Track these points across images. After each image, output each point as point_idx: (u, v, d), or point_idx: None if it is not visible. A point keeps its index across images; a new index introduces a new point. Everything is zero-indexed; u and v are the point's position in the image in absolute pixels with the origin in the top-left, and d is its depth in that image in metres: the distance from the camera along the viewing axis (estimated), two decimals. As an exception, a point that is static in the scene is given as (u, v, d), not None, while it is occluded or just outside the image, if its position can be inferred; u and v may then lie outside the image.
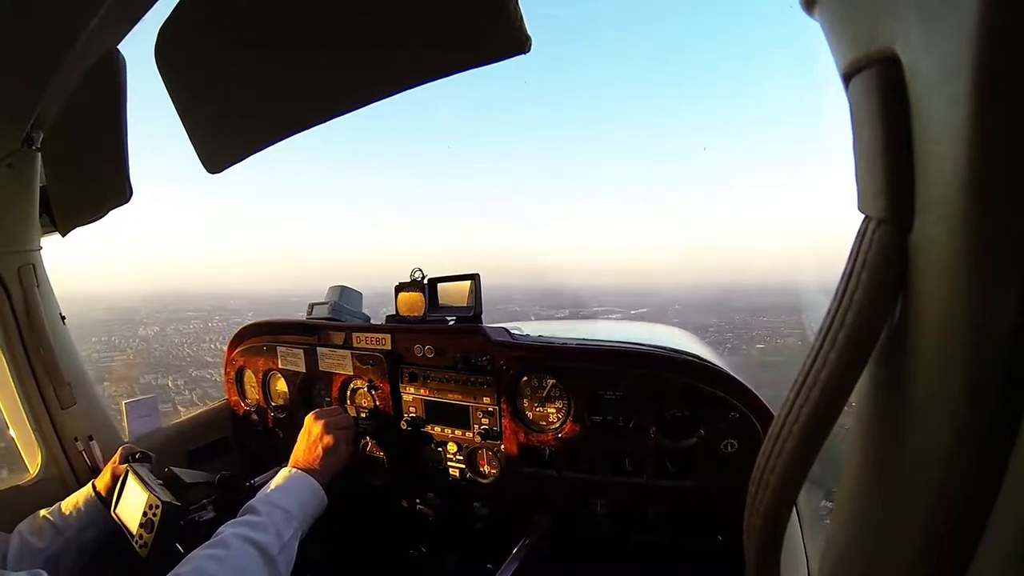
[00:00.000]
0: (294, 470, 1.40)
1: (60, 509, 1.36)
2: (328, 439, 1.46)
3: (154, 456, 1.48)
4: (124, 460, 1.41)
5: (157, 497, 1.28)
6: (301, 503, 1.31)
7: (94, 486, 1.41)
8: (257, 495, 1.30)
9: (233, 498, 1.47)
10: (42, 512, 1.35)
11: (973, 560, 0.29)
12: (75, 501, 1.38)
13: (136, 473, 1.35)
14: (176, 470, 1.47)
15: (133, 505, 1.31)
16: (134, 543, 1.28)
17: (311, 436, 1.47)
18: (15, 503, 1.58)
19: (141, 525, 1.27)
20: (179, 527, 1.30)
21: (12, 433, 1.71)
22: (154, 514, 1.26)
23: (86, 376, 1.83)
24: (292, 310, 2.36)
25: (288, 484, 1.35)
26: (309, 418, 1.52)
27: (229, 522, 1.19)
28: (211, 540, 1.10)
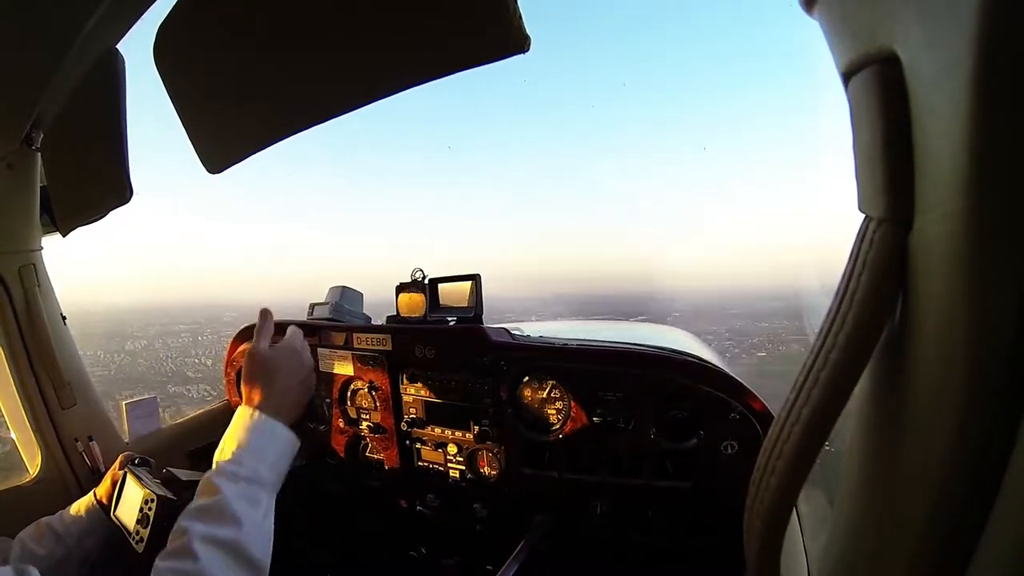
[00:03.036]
0: (260, 415, 1.12)
1: (62, 517, 1.36)
2: (303, 372, 1.24)
3: (153, 461, 1.49)
4: (123, 466, 1.42)
5: (152, 492, 1.29)
6: (275, 463, 1.11)
7: (95, 494, 1.41)
8: (220, 459, 1.09)
9: None
10: (44, 519, 1.35)
11: (973, 560, 0.29)
12: (77, 509, 1.38)
13: (134, 474, 1.36)
14: (174, 471, 1.47)
15: (130, 503, 1.32)
16: (131, 540, 1.28)
17: (285, 364, 1.21)
18: (15, 503, 1.59)
19: (138, 521, 1.27)
20: (175, 521, 1.31)
21: (12, 433, 1.72)
22: (149, 508, 1.27)
23: (86, 376, 1.83)
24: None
25: (259, 440, 1.10)
26: (264, 350, 1.21)
27: (191, 511, 1.01)
28: (174, 545, 0.94)
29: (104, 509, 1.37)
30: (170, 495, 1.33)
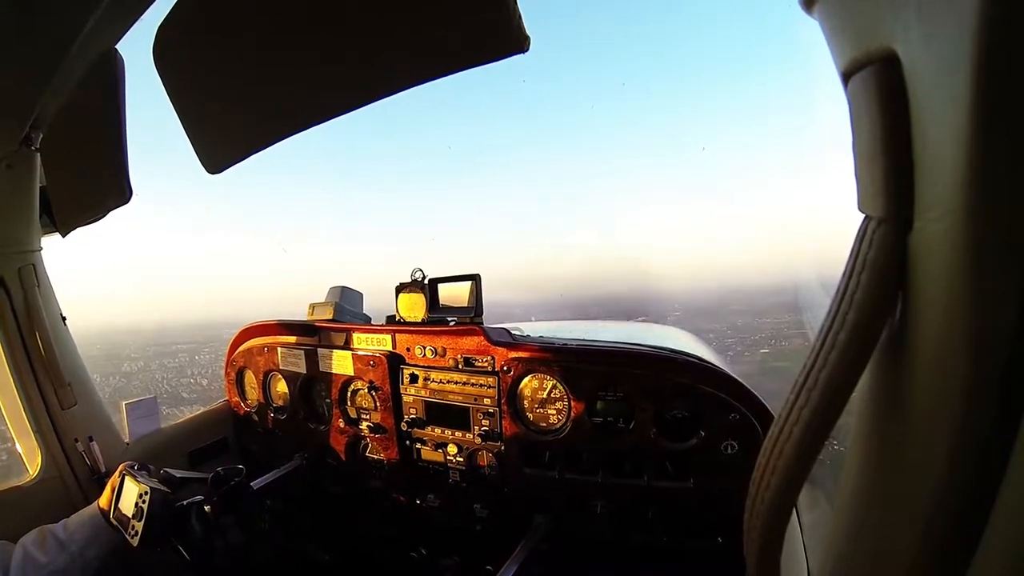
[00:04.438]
0: None
1: (65, 525, 1.36)
2: None
3: (152, 467, 1.49)
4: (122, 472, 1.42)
5: (147, 485, 1.31)
6: None
7: (98, 504, 1.41)
8: None
9: (225, 491, 1.48)
10: (47, 527, 1.35)
11: (973, 560, 0.29)
12: (80, 518, 1.39)
13: (131, 474, 1.38)
14: (170, 470, 1.48)
15: (127, 500, 1.34)
16: (127, 535, 1.29)
17: None
18: (15, 504, 1.58)
19: (133, 516, 1.30)
20: (169, 514, 1.32)
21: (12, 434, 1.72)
22: (143, 501, 1.29)
23: (86, 376, 1.83)
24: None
25: None
26: None
27: None
28: None
29: (106, 517, 1.38)
30: (164, 488, 1.34)
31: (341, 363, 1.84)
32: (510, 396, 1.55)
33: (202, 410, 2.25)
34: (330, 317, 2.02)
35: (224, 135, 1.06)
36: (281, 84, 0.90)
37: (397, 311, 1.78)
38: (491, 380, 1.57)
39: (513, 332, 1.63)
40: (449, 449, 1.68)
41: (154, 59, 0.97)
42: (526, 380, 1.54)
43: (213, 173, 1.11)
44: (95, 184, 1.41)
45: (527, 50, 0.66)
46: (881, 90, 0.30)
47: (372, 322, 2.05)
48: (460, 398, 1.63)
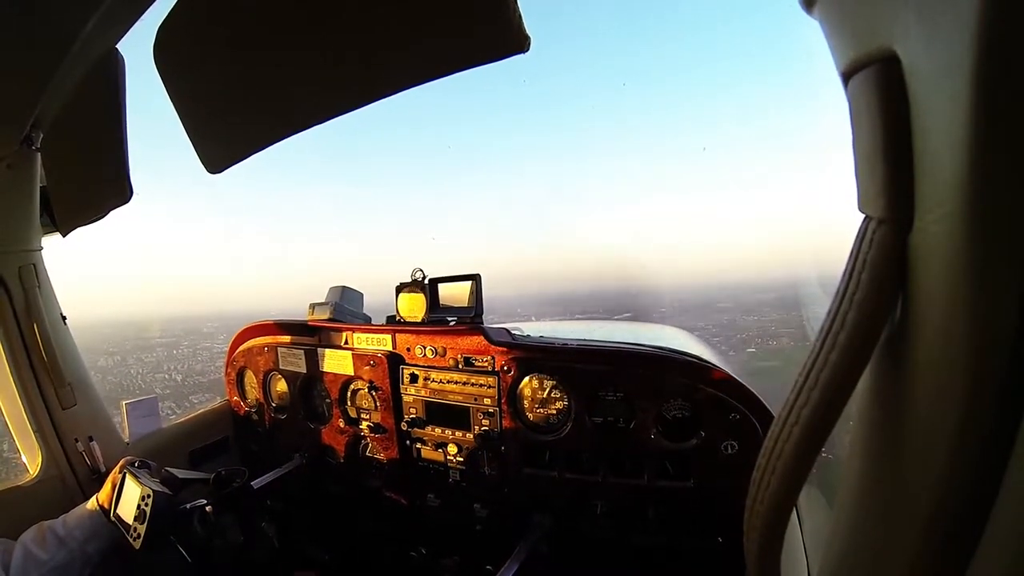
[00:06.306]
0: None
1: (64, 521, 1.36)
2: None
3: (154, 464, 1.49)
4: (123, 469, 1.42)
5: (149, 488, 1.30)
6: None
7: (97, 499, 1.41)
8: None
9: (228, 493, 1.48)
10: (46, 523, 1.35)
11: (973, 560, 0.29)
12: (79, 513, 1.39)
13: (132, 474, 1.37)
14: (172, 470, 1.48)
15: (129, 501, 1.33)
16: (129, 537, 1.29)
17: None
18: (15, 503, 1.58)
19: (135, 518, 1.29)
20: (172, 516, 1.32)
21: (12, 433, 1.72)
22: (146, 504, 1.28)
23: (87, 376, 1.83)
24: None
25: None
26: None
27: None
28: None
29: (106, 513, 1.38)
30: (166, 490, 1.33)
31: (341, 363, 1.84)
32: (510, 396, 1.55)
33: (202, 410, 2.25)
34: (330, 317, 2.02)
35: (225, 135, 1.07)
36: (281, 84, 0.91)
37: (397, 311, 1.78)
38: (491, 380, 1.57)
39: (513, 332, 1.63)
40: (449, 449, 1.68)
41: (155, 59, 0.97)
42: (526, 380, 1.54)
43: (213, 173, 1.11)
44: (96, 184, 1.41)
45: (527, 50, 0.66)
46: (881, 90, 0.30)
47: (372, 322, 2.05)
48: (460, 398, 1.63)
